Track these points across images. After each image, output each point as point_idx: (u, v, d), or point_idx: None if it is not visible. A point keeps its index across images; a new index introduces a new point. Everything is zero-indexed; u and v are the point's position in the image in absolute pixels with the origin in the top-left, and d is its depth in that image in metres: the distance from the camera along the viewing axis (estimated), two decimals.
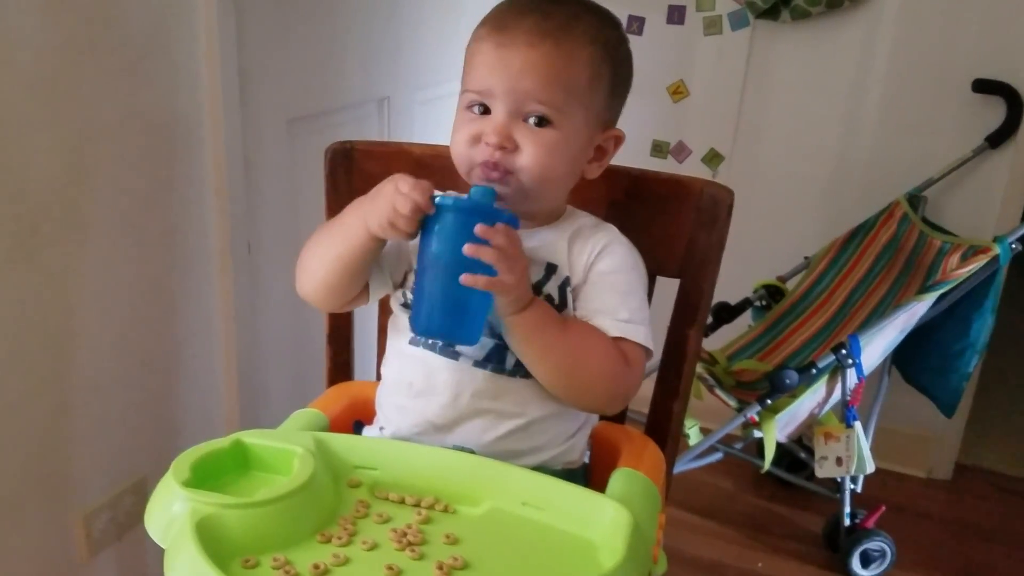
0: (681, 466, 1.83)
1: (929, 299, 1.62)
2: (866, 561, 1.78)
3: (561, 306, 0.89)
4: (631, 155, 1.04)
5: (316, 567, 0.69)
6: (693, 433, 1.81)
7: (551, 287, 0.89)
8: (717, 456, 1.90)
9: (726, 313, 2.02)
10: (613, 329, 0.88)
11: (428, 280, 0.81)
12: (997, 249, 1.61)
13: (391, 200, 0.82)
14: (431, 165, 1.05)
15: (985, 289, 1.66)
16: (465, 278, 0.79)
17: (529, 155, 0.85)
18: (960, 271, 1.61)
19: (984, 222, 1.94)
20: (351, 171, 1.07)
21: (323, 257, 0.90)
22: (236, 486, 0.78)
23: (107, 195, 1.23)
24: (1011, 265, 1.68)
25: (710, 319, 2.02)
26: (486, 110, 0.86)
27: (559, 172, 0.88)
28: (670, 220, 1.01)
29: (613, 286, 0.90)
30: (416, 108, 1.90)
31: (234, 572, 0.68)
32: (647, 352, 0.90)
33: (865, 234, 1.93)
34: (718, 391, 1.78)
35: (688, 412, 1.79)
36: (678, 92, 2.16)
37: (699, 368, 1.80)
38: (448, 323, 0.82)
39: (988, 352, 1.82)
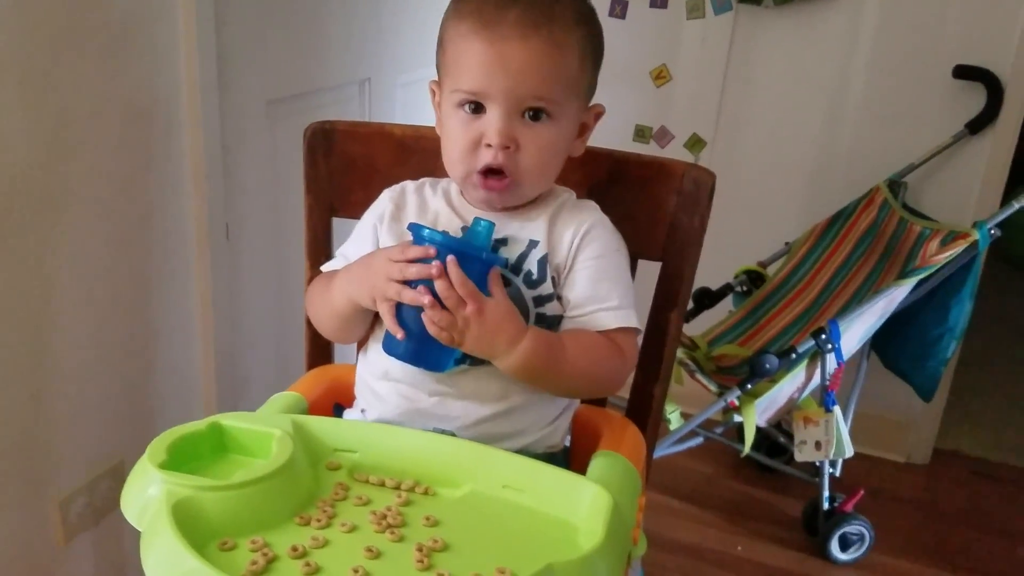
0: (662, 450, 1.84)
1: (908, 284, 1.63)
2: (845, 545, 1.80)
3: (540, 280, 0.88)
4: (614, 139, 1.04)
5: (294, 549, 0.68)
6: (674, 418, 1.81)
7: (531, 262, 0.89)
8: (698, 441, 1.91)
9: (707, 298, 2.03)
10: (609, 321, 0.88)
11: (403, 306, 0.82)
12: (976, 235, 1.62)
13: (382, 281, 0.82)
14: (413, 147, 1.04)
15: (964, 275, 1.67)
16: (430, 327, 0.80)
17: (530, 154, 0.86)
18: (939, 257, 1.62)
19: (964, 208, 1.95)
20: (331, 152, 1.06)
21: (324, 314, 0.94)
22: (213, 469, 0.78)
23: (84, 179, 1.21)
24: (990, 250, 1.69)
25: (691, 304, 2.02)
26: (478, 107, 0.85)
27: (556, 163, 0.90)
28: (652, 203, 1.01)
29: (601, 272, 0.89)
30: (398, 90, 1.89)
31: (211, 555, 0.67)
32: (638, 332, 0.92)
33: (845, 220, 1.94)
34: (699, 376, 1.79)
35: (669, 397, 1.80)
36: (661, 77, 2.16)
37: (680, 353, 1.81)
38: (415, 352, 0.83)
39: (966, 337, 1.83)
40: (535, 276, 0.88)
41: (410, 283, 0.81)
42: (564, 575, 0.67)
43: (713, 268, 1.98)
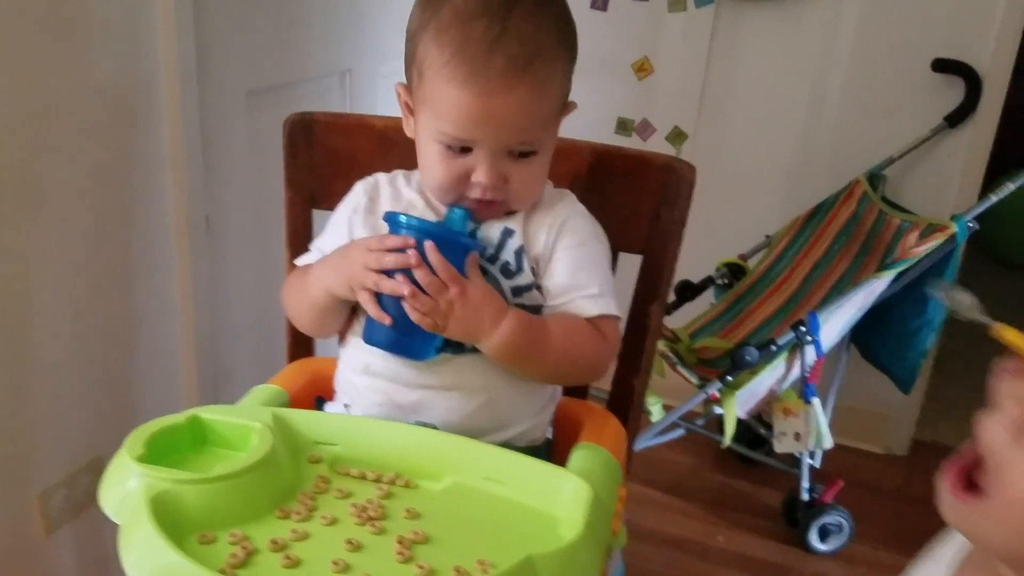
0: (644, 443, 1.85)
1: (887, 277, 1.64)
2: (824, 535, 1.82)
3: (517, 271, 0.89)
4: (596, 132, 1.04)
5: (274, 542, 0.68)
6: (656, 410, 1.82)
7: (507, 252, 0.89)
8: (679, 433, 1.92)
9: (689, 291, 2.04)
10: (590, 308, 0.88)
11: (383, 295, 0.82)
12: (954, 228, 1.64)
13: (360, 271, 0.82)
14: (394, 139, 1.03)
15: (942, 267, 1.69)
16: (412, 313, 0.80)
17: (520, 184, 0.87)
18: (918, 249, 1.64)
19: (942, 201, 1.96)
20: (311, 143, 1.05)
21: (301, 308, 0.93)
22: (193, 462, 0.77)
23: (63, 169, 1.20)
24: (973, 245, 1.70)
25: (673, 297, 2.03)
26: (464, 148, 0.85)
27: (543, 184, 0.91)
28: (633, 196, 1.01)
29: (580, 260, 0.90)
30: (379, 81, 1.88)
31: (190, 548, 0.67)
32: (619, 320, 0.92)
33: (825, 213, 1.95)
34: (680, 368, 1.80)
35: (651, 389, 1.81)
36: (643, 69, 2.16)
37: (662, 346, 1.82)
38: (395, 341, 0.83)
39: (945, 330, 1.85)
40: (512, 266, 0.89)
41: (389, 272, 0.81)
42: (544, 566, 0.67)
43: (695, 261, 1.99)
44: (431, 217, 0.90)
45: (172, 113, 1.36)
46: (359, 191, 0.94)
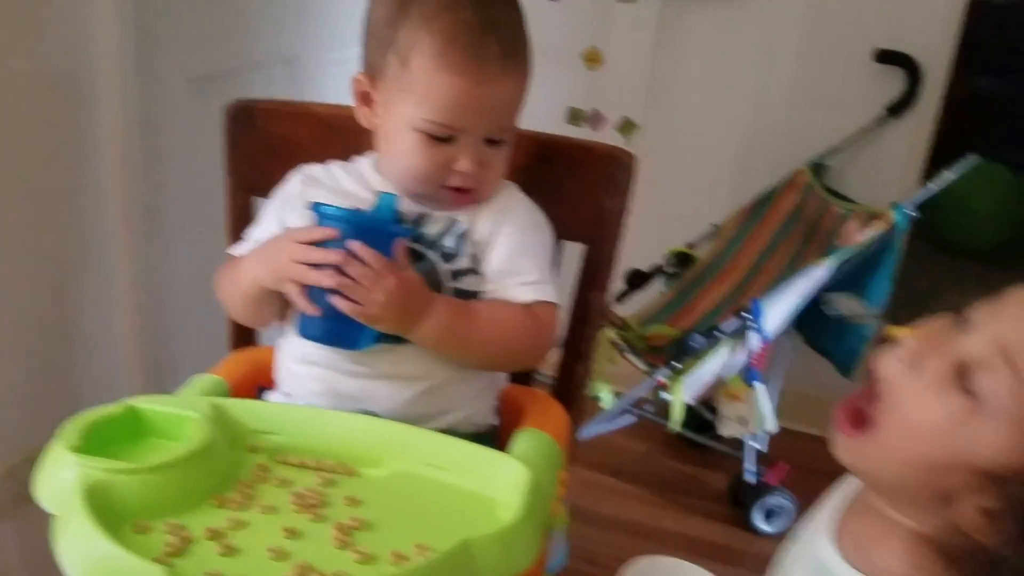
0: (595, 429, 1.87)
1: (829, 264, 1.68)
2: (769, 516, 1.86)
3: (456, 255, 0.89)
4: (547, 122, 1.04)
5: (211, 531, 0.68)
6: (607, 397, 1.84)
7: (449, 238, 0.89)
8: (630, 419, 1.94)
9: (639, 279, 2.06)
10: (526, 294, 0.89)
11: (315, 287, 0.82)
12: (895, 216, 1.68)
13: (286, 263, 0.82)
14: (337, 127, 1.03)
15: (883, 255, 1.73)
16: (335, 300, 0.80)
17: (494, 173, 0.89)
18: (859, 237, 1.67)
19: (884, 189, 2.00)
20: (252, 131, 1.05)
21: (233, 299, 0.92)
22: (130, 452, 0.77)
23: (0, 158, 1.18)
24: (912, 229, 1.74)
25: (624, 285, 2.05)
26: (448, 136, 0.85)
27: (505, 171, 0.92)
28: (576, 185, 1.02)
29: (520, 247, 0.91)
30: (328, 69, 1.85)
31: (125, 538, 0.67)
32: (558, 307, 0.93)
33: (769, 202, 1.98)
34: (629, 356, 1.82)
35: (602, 377, 1.84)
36: (593, 59, 2.17)
37: (612, 334, 1.84)
38: (327, 332, 0.83)
39: (891, 317, 1.89)
40: (451, 251, 0.89)
41: (319, 263, 0.80)
42: (481, 549, 0.68)
43: (644, 249, 2.02)
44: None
45: (112, 100, 1.33)
46: (294, 181, 0.94)
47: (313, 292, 0.82)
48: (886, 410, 0.54)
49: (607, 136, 2.19)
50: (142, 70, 1.38)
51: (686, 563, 0.80)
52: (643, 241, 2.02)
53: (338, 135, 1.02)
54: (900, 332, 0.57)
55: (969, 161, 1.71)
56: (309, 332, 0.84)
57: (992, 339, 0.53)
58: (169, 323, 1.54)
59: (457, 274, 0.89)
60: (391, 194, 0.85)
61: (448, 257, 0.89)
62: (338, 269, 0.80)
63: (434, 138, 0.84)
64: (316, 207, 0.84)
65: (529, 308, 0.89)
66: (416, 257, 0.88)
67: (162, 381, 1.52)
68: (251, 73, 1.67)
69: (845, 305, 1.78)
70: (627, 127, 2.19)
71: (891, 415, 0.54)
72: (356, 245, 0.79)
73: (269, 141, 1.05)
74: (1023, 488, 0.48)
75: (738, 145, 2.14)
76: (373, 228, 0.82)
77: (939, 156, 2.04)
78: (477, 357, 0.90)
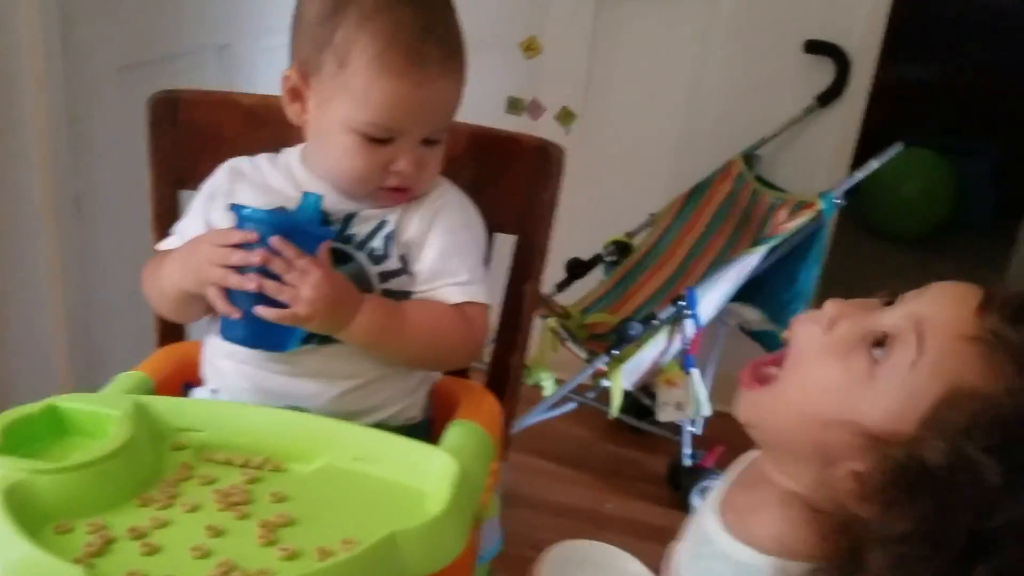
0: (537, 416, 1.89)
1: (759, 252, 1.71)
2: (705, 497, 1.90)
3: (385, 257, 0.89)
4: (486, 112, 1.04)
5: (133, 530, 0.68)
6: (548, 384, 1.86)
7: (377, 239, 0.89)
8: (572, 406, 1.96)
9: (579, 268, 2.08)
10: (456, 295, 0.89)
11: (234, 291, 0.81)
12: (822, 204, 1.72)
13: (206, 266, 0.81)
14: (263, 116, 1.02)
15: (811, 242, 1.77)
16: (259, 310, 0.79)
17: (430, 172, 0.89)
18: (787, 225, 1.71)
19: (813, 178, 2.04)
20: (176, 122, 1.03)
21: (158, 299, 0.91)
22: (51, 452, 0.76)
23: None
24: (843, 215, 1.79)
25: (564, 275, 2.07)
26: (387, 137, 0.84)
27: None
28: (506, 177, 1.03)
29: (451, 248, 0.91)
30: (259, 56, 1.82)
31: (45, 539, 0.66)
32: (488, 308, 0.93)
33: (704, 192, 2.02)
34: (570, 344, 1.84)
35: (544, 365, 1.86)
36: (531, 48, 2.17)
37: (553, 322, 1.85)
38: (252, 335, 0.82)
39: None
40: (380, 252, 0.89)
41: (243, 271, 0.79)
42: (407, 541, 0.69)
43: (584, 239, 2.04)
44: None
45: (36, 89, 1.30)
46: (220, 175, 0.93)
47: (236, 295, 0.80)
48: (790, 365, 0.57)
49: (546, 125, 2.20)
50: (68, 58, 1.34)
51: (607, 546, 0.81)
52: (582, 230, 2.04)
53: (265, 126, 1.00)
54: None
55: (895, 149, 1.76)
56: (233, 335, 0.83)
57: (908, 315, 0.56)
58: (100, 318, 1.51)
59: (386, 275, 0.89)
60: (315, 195, 0.84)
61: (377, 259, 0.89)
62: (262, 272, 0.78)
63: (372, 139, 0.84)
64: (236, 209, 0.82)
65: (460, 309, 0.89)
66: (343, 259, 0.87)
67: (93, 377, 1.49)
68: (182, 61, 1.64)
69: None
70: (566, 116, 2.20)
71: (794, 370, 0.57)
72: (279, 246, 0.78)
73: (194, 132, 1.03)
74: (898, 455, 0.51)
75: (675, 134, 2.17)
76: (296, 230, 0.80)
77: (868, 144, 2.09)
78: (407, 356, 0.90)
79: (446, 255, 0.90)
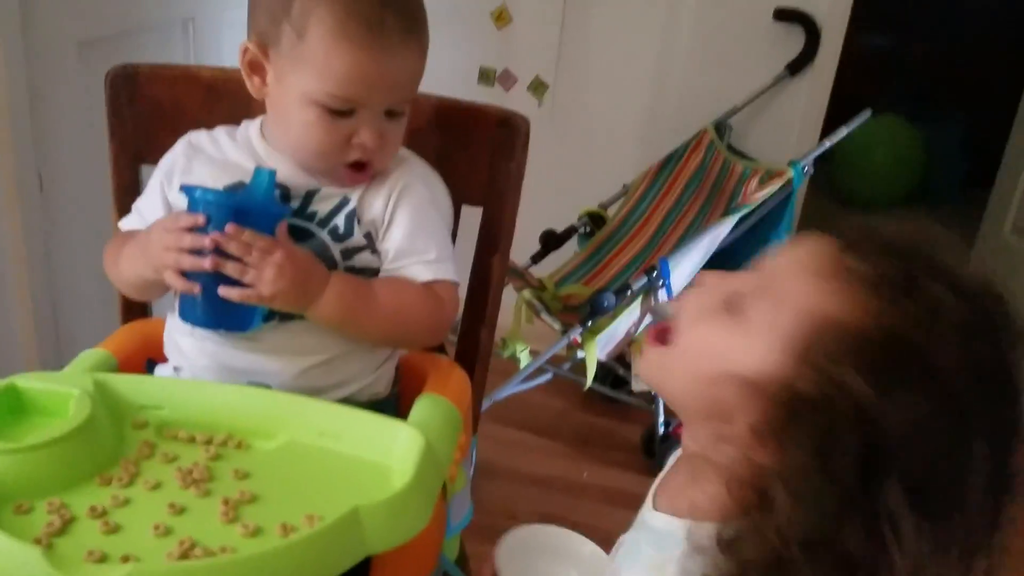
0: (512, 388, 1.89)
1: (730, 222, 1.72)
2: None
3: (347, 235, 0.88)
4: (457, 83, 1.03)
5: (93, 510, 0.68)
6: (523, 356, 1.86)
7: (340, 217, 0.88)
8: (547, 377, 1.97)
9: (553, 240, 2.08)
10: (425, 273, 0.89)
11: (197, 274, 0.80)
12: (791, 173, 1.73)
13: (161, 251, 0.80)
14: (222, 90, 1.01)
15: (781, 210, 1.78)
16: (222, 290, 0.78)
17: (392, 146, 0.88)
18: (758, 195, 1.72)
19: (783, 147, 2.05)
20: (134, 97, 1.01)
21: (120, 281, 0.91)
22: (10, 432, 0.75)
23: None
24: (813, 183, 1.79)
25: (539, 246, 2.07)
26: (347, 110, 0.83)
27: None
28: (471, 149, 1.02)
29: (418, 226, 0.90)
30: (225, 30, 1.79)
31: (5, 519, 0.66)
32: (456, 285, 0.93)
33: (676, 162, 2.02)
34: (544, 316, 1.84)
35: (519, 336, 1.86)
36: (501, 18, 2.15)
37: (528, 294, 1.85)
38: (211, 317, 0.82)
39: None
40: (342, 230, 0.88)
41: (201, 253, 0.78)
42: (370, 515, 0.69)
43: (558, 210, 2.04)
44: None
45: None
46: (178, 150, 0.91)
47: (195, 279, 0.80)
48: (677, 329, 0.61)
49: (518, 96, 2.18)
50: (27, 34, 1.31)
51: (561, 529, 0.83)
52: (556, 201, 2.04)
53: (225, 99, 0.99)
54: None
55: (863, 116, 1.77)
56: (192, 317, 0.82)
57: (769, 269, 0.60)
58: (65, 296, 1.50)
59: (350, 252, 0.88)
60: (268, 170, 0.83)
61: (339, 237, 0.88)
62: (219, 253, 0.78)
63: (333, 112, 0.83)
64: (188, 190, 0.81)
65: (428, 287, 0.89)
66: (303, 236, 0.86)
67: (61, 355, 1.48)
68: (145, 35, 1.61)
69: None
70: (537, 87, 2.19)
71: (680, 333, 0.61)
72: (231, 227, 0.77)
73: (152, 106, 1.02)
74: (779, 395, 0.53)
75: (647, 104, 2.16)
76: (250, 209, 0.79)
77: (837, 113, 2.10)
78: (375, 334, 0.89)
79: (413, 233, 0.89)
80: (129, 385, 0.81)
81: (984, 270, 0.55)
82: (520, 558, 0.78)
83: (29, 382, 0.78)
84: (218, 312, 0.80)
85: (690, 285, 0.67)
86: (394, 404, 0.98)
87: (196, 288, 0.80)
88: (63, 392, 0.77)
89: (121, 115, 1.02)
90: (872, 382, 0.50)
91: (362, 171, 0.88)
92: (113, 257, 0.90)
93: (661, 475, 0.69)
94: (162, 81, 1.02)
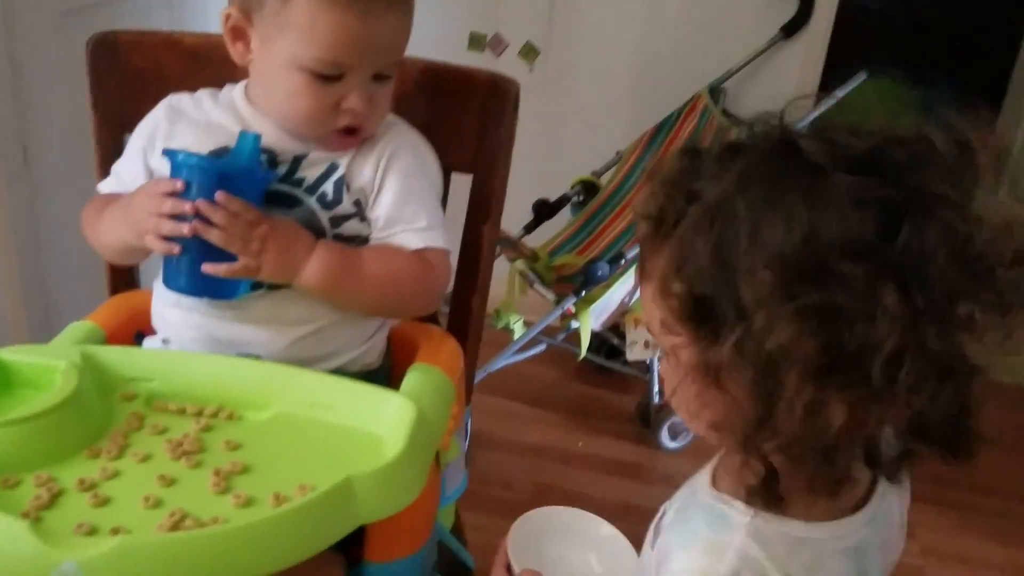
0: (506, 359, 1.88)
1: None
2: (674, 433, 1.92)
3: (336, 202, 0.87)
4: (447, 48, 1.01)
5: (82, 482, 0.67)
6: (517, 327, 1.86)
7: (328, 184, 0.87)
8: (541, 347, 1.96)
9: (546, 209, 2.05)
10: (416, 241, 0.88)
11: (181, 240, 0.78)
12: None
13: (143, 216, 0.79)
14: (205, 56, 0.99)
15: None
16: (206, 267, 0.77)
17: (381, 111, 0.86)
18: None
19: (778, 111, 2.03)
20: (115, 65, 0.99)
21: (100, 246, 0.90)
22: None
23: None
24: None
25: (531, 216, 2.05)
26: (335, 75, 0.81)
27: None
28: (459, 114, 1.00)
29: (408, 193, 0.89)
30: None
31: None
32: (447, 253, 0.92)
33: (670, 127, 1.99)
34: (537, 286, 1.83)
35: (512, 307, 1.85)
36: None
37: (521, 264, 1.84)
38: (195, 284, 0.80)
39: None
40: (331, 197, 0.87)
41: (185, 219, 0.77)
42: (363, 484, 0.69)
43: (551, 179, 2.02)
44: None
45: None
46: (159, 114, 0.90)
47: (181, 244, 0.78)
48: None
49: (509, 61, 2.15)
50: (7, 2, 1.29)
51: (577, 510, 0.81)
52: (549, 170, 2.02)
53: (206, 65, 0.97)
54: None
55: (859, 78, 1.75)
56: (176, 284, 0.81)
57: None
58: (53, 268, 1.48)
59: (338, 220, 0.87)
60: (252, 134, 0.82)
61: (327, 204, 0.86)
62: (203, 219, 0.76)
63: (321, 76, 0.81)
64: (171, 154, 0.80)
65: (419, 254, 0.88)
66: (291, 203, 0.85)
67: (48, 328, 1.47)
68: (126, 4, 1.58)
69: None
70: (529, 52, 2.16)
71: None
72: (220, 195, 0.76)
73: (134, 74, 1.00)
74: (675, 291, 0.54)
75: (639, 70, 2.13)
76: (234, 175, 0.78)
77: (832, 75, 2.07)
78: (365, 303, 0.88)
79: (403, 201, 0.88)
80: (117, 357, 0.80)
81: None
82: (534, 542, 0.76)
83: (16, 355, 0.77)
84: (203, 279, 0.79)
85: None
86: (386, 375, 0.98)
87: (176, 249, 0.78)
88: (50, 365, 0.76)
89: (104, 84, 1.00)
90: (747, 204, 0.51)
91: (352, 135, 0.86)
92: (92, 220, 0.88)
93: (721, 452, 0.67)
94: (144, 48, 1.00)
